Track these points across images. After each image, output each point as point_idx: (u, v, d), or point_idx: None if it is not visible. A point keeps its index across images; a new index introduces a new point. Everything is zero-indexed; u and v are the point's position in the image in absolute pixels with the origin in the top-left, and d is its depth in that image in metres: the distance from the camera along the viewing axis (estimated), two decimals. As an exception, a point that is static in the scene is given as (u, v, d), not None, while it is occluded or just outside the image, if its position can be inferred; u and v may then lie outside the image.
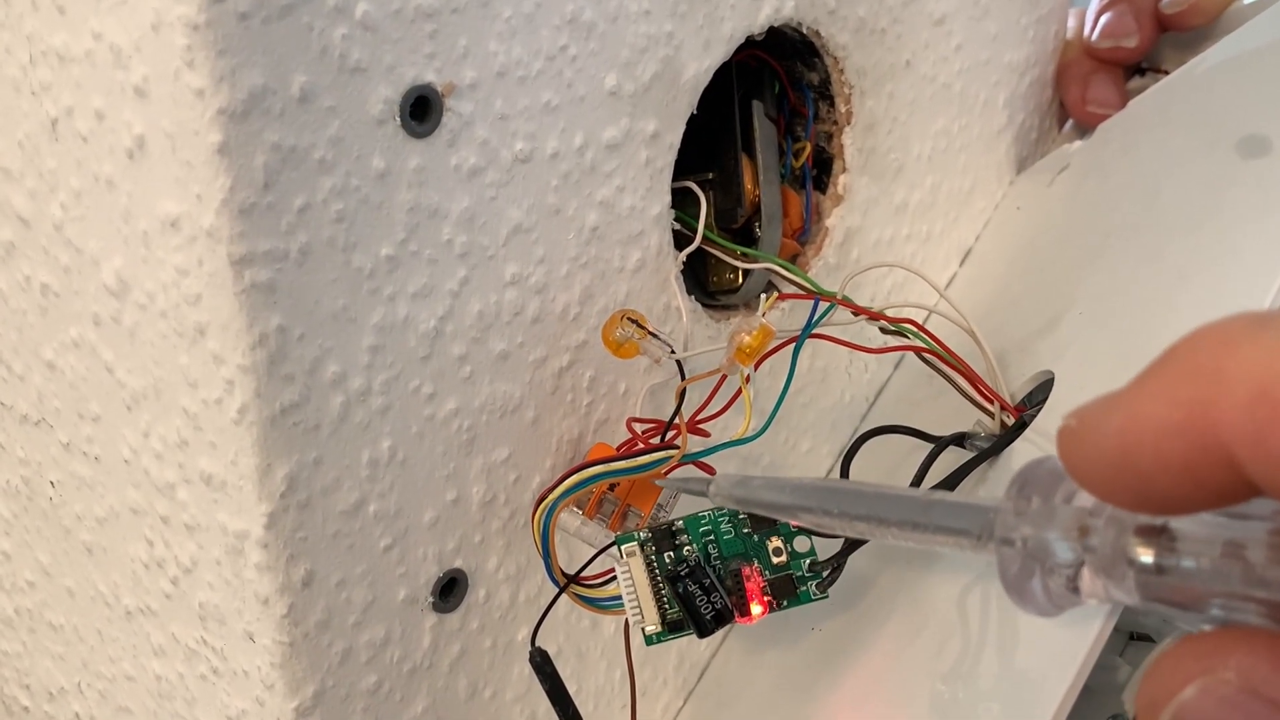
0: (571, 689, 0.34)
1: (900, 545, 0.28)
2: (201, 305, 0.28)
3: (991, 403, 0.36)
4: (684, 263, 0.37)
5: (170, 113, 0.26)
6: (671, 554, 0.33)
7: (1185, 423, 0.18)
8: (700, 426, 0.35)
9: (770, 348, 0.34)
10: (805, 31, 0.39)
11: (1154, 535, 0.20)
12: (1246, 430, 0.17)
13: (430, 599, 0.34)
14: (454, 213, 0.31)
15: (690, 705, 0.43)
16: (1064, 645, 0.29)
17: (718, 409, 0.35)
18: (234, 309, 0.28)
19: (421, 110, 0.29)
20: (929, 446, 0.35)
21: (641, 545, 0.33)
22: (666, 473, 0.35)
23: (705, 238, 0.37)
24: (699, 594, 0.32)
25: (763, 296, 0.35)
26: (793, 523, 0.33)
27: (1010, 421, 0.36)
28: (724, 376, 0.35)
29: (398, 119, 0.29)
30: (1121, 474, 0.19)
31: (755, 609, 0.33)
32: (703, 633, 0.32)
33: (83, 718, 0.40)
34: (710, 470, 0.35)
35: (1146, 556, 0.20)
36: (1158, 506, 0.19)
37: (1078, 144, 0.48)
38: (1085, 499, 0.22)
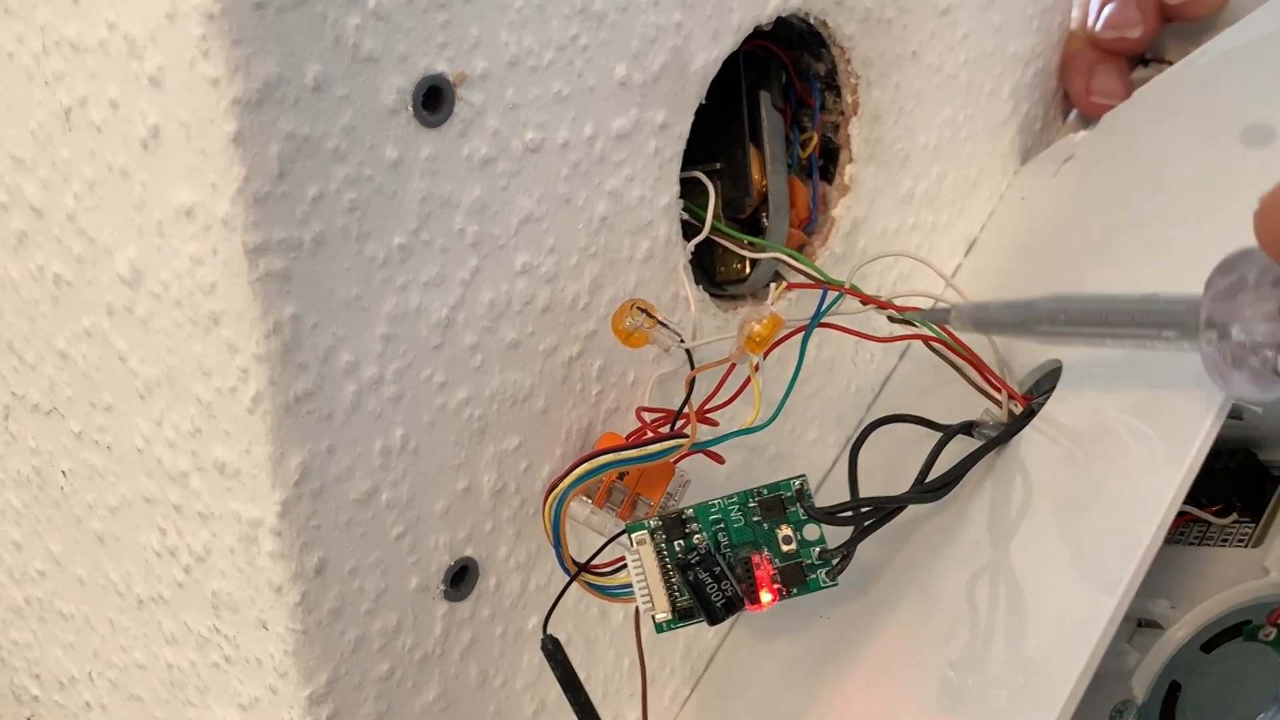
0: (580, 677, 0.34)
1: (1121, 347, 0.31)
2: (216, 294, 0.28)
3: (999, 391, 0.36)
4: (692, 253, 0.37)
5: (185, 102, 0.27)
6: (681, 542, 0.33)
7: None
8: (709, 416, 0.35)
9: (780, 336, 0.34)
10: (812, 22, 0.39)
11: None
12: None
13: (442, 587, 0.34)
14: (465, 202, 0.31)
15: (698, 693, 0.43)
16: (1073, 631, 0.29)
17: (726, 398, 0.35)
18: (248, 298, 0.28)
19: (434, 100, 0.30)
20: (937, 435, 0.35)
21: (652, 533, 0.33)
22: (676, 461, 0.35)
23: (713, 228, 0.37)
24: (709, 582, 0.32)
25: (772, 285, 0.35)
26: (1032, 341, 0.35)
27: (1018, 410, 0.36)
28: (733, 365, 0.35)
29: (410, 108, 0.29)
30: None
31: (765, 597, 0.33)
32: (713, 620, 0.32)
33: (93, 707, 0.40)
34: (719, 459, 0.35)
35: None
36: None
37: (1083, 134, 0.48)
38: None
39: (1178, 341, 0.25)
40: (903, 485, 0.35)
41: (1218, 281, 0.23)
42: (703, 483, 0.37)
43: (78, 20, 0.28)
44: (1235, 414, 0.37)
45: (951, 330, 0.36)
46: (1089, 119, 0.50)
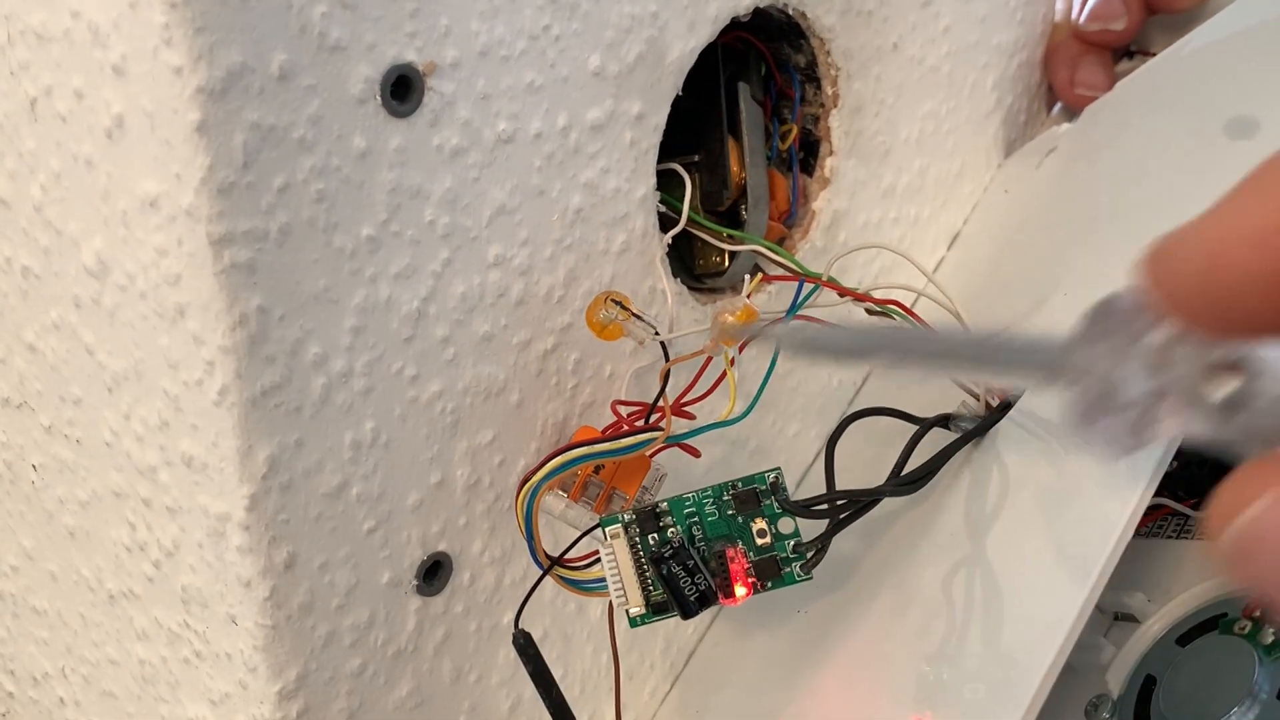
0: (557, 673, 0.34)
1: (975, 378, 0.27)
2: (181, 286, 0.28)
3: (976, 384, 0.36)
4: (669, 245, 0.37)
5: (149, 91, 0.26)
6: (655, 535, 0.33)
7: (1275, 233, 0.18)
8: (685, 409, 0.35)
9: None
10: (791, 13, 0.39)
11: (1232, 368, 0.19)
12: None
13: (414, 582, 0.34)
14: (436, 193, 0.31)
15: (677, 689, 0.43)
16: (1048, 624, 0.29)
17: (703, 391, 0.35)
18: (214, 289, 0.28)
19: (403, 90, 0.29)
20: (914, 428, 0.35)
21: (625, 527, 0.33)
22: (651, 455, 0.35)
23: (691, 220, 0.37)
24: (683, 575, 0.32)
25: (748, 278, 0.35)
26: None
27: (995, 403, 0.36)
28: (709, 358, 0.35)
29: (378, 98, 0.29)
30: (1208, 288, 0.19)
31: (739, 590, 0.33)
32: (686, 614, 0.32)
33: (67, 703, 0.40)
34: (695, 453, 0.35)
35: (1224, 389, 0.19)
36: (1241, 327, 0.19)
37: (1066, 126, 0.48)
38: (1161, 334, 0.21)
39: (1038, 385, 0.24)
40: (880, 479, 0.35)
41: (1089, 326, 0.22)
42: (682, 477, 0.36)
43: (42, 9, 0.28)
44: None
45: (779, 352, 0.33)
46: (1073, 111, 0.49)
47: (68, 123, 0.28)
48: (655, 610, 0.33)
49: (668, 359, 0.34)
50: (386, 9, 0.28)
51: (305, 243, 0.29)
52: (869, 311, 0.37)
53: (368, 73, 0.28)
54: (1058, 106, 0.51)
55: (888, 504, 0.35)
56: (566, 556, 0.34)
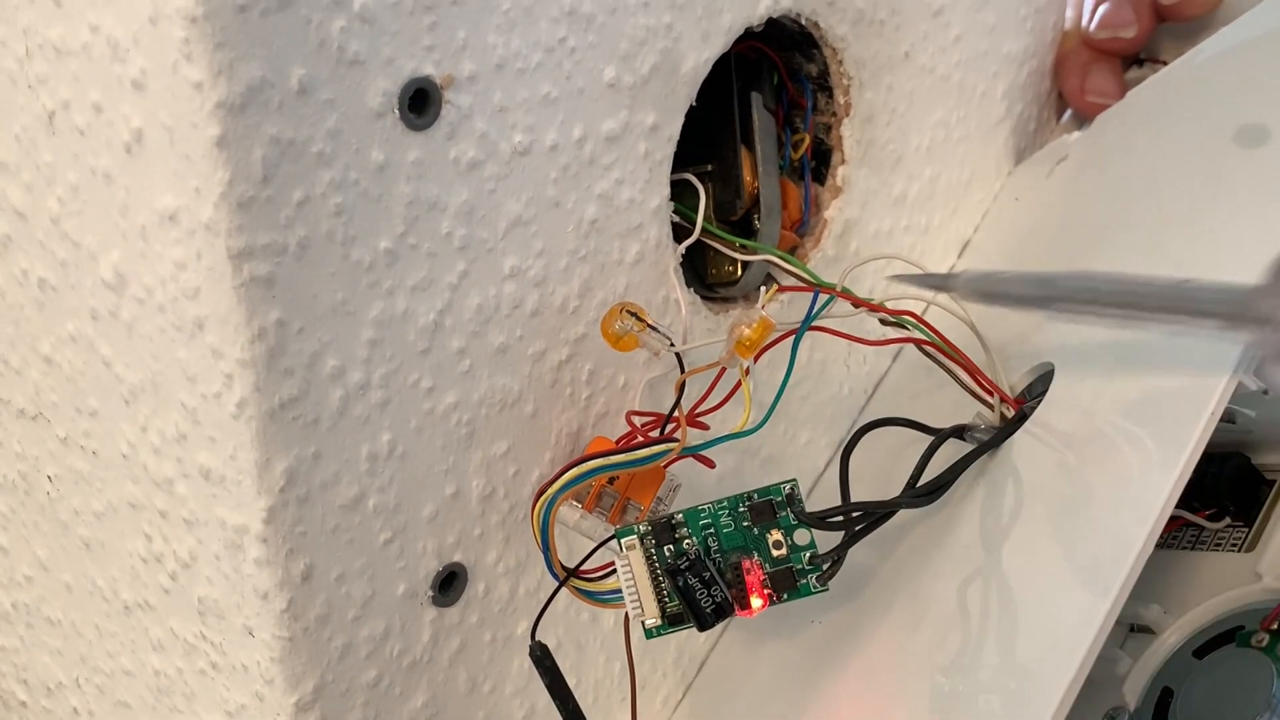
0: (570, 682, 0.34)
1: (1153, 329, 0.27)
2: (200, 299, 0.28)
3: (991, 395, 0.36)
4: (683, 255, 0.37)
5: (168, 106, 0.26)
6: (671, 547, 0.33)
7: None
8: (699, 419, 0.35)
9: (770, 340, 0.34)
10: (804, 23, 0.39)
11: None
12: None
13: (430, 593, 0.34)
14: (453, 206, 0.31)
15: (690, 698, 0.43)
16: (1065, 637, 0.29)
17: (717, 402, 0.35)
18: (233, 303, 0.28)
19: (420, 103, 0.29)
20: (929, 439, 0.35)
21: (641, 538, 0.33)
22: (666, 465, 0.35)
23: (704, 230, 0.37)
24: (699, 587, 0.32)
25: (762, 289, 0.35)
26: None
27: (1010, 414, 0.36)
28: (723, 369, 0.35)
29: (396, 111, 0.29)
30: None
31: (755, 602, 0.33)
32: (703, 626, 0.32)
33: (81, 713, 0.40)
34: (710, 464, 0.35)
35: None
36: None
37: (1076, 135, 0.48)
38: None
39: (1216, 332, 0.23)
40: (894, 489, 0.35)
41: (1274, 276, 0.22)
42: (694, 486, 0.37)
43: (61, 23, 0.28)
44: (1228, 417, 0.37)
45: (956, 300, 0.34)
46: (1083, 119, 0.49)
47: (86, 136, 0.28)
48: (671, 622, 0.33)
49: (683, 370, 0.34)
50: (404, 23, 0.28)
51: (323, 256, 0.29)
52: (883, 322, 0.37)
53: (386, 86, 0.29)
54: (1068, 114, 0.51)
55: (902, 515, 0.35)
56: (582, 568, 0.34)
